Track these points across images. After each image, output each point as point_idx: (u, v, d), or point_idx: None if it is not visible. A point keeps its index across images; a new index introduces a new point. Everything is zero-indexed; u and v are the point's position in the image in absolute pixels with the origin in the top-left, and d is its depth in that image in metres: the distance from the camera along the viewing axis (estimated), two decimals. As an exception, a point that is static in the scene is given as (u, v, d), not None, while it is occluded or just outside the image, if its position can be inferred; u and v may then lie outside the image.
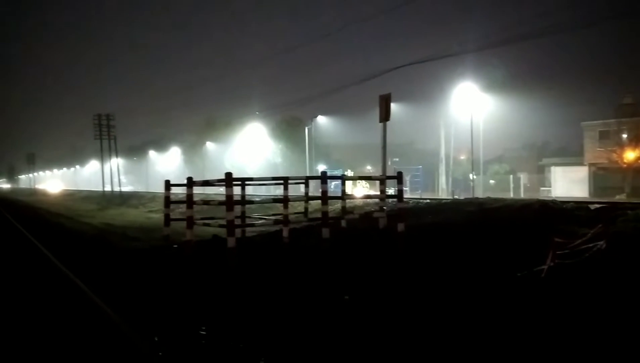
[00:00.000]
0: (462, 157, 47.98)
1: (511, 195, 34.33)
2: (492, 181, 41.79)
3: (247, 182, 12.34)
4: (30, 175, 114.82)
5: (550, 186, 37.38)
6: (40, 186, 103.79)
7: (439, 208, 14.76)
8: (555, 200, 14.28)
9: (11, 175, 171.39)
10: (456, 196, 32.08)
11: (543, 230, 8.42)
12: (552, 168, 38.52)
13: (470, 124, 34.52)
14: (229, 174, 8.66)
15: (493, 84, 37.20)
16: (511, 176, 40.22)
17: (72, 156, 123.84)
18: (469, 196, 28.68)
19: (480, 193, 31.35)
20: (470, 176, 37.79)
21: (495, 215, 11.15)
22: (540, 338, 4.26)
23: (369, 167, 57.05)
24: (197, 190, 11.09)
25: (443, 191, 41.18)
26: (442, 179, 43.14)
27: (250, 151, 55.43)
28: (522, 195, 34.81)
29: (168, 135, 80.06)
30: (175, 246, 10.04)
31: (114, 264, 9.31)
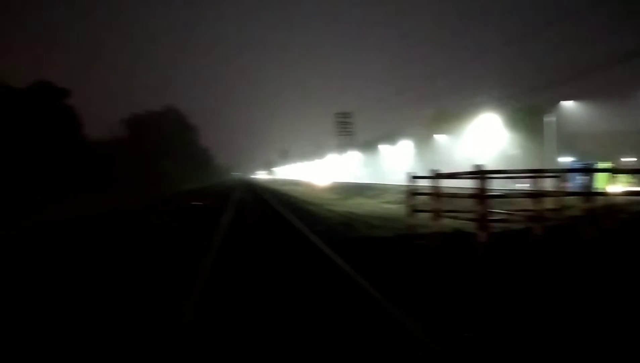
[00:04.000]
0: None
1: None
2: None
3: (491, 175, 11.76)
4: (284, 167, 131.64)
5: None
6: (305, 179, 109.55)
7: None
8: None
9: (268, 167, 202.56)
10: None
11: None
12: None
13: None
14: (478, 167, 8.41)
15: None
16: None
17: (315, 150, 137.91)
18: None
19: None
20: None
21: None
22: None
23: (632, 159, 48.57)
24: (430, 183, 11.07)
25: None
26: None
27: (482, 142, 53.02)
28: None
29: (399, 129, 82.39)
30: (422, 241, 10.19)
31: (371, 250, 9.92)
